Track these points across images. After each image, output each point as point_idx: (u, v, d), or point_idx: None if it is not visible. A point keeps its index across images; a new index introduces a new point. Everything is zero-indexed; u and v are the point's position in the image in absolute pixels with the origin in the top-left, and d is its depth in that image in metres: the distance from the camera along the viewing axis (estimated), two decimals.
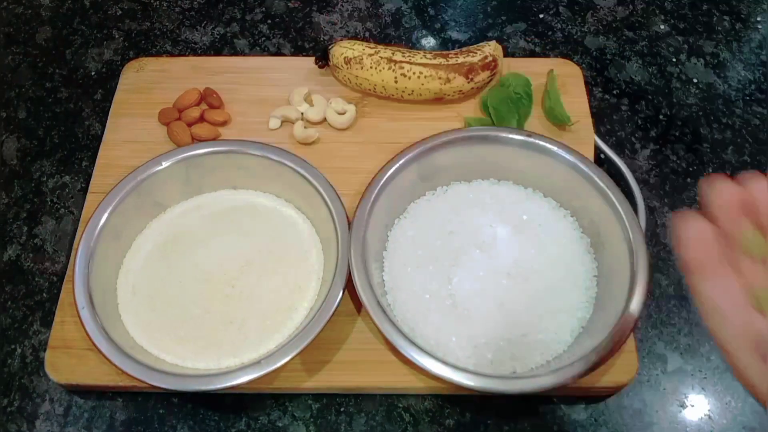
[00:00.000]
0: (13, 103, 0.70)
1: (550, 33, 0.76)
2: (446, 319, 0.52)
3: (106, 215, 0.55)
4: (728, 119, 0.69)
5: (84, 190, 0.63)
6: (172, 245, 0.58)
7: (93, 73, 0.73)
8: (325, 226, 0.56)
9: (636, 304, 0.49)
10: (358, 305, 0.55)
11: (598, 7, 0.79)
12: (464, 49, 0.66)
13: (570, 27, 0.77)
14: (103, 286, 0.54)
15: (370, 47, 0.65)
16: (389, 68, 0.64)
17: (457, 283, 0.54)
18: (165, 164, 0.58)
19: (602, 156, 0.64)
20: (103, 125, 0.66)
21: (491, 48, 0.66)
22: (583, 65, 0.72)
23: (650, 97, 0.71)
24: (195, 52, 0.74)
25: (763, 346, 0.33)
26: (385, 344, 0.53)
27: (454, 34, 0.76)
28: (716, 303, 0.34)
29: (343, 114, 0.65)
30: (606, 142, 0.65)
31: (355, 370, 0.53)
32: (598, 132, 0.66)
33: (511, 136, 0.58)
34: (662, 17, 0.78)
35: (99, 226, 0.54)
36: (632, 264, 0.51)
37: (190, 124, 0.65)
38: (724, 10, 0.78)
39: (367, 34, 0.76)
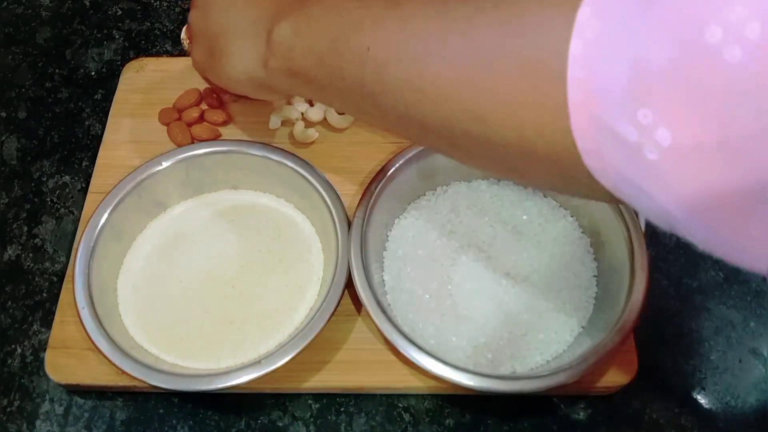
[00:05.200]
0: (13, 103, 0.70)
1: None
2: (446, 319, 0.52)
3: (106, 215, 0.55)
4: None
5: (84, 190, 0.63)
6: (172, 245, 0.58)
7: (93, 73, 0.73)
8: (325, 226, 0.56)
9: (636, 304, 0.49)
10: (358, 305, 0.55)
11: None
12: None
13: None
14: (103, 286, 0.54)
15: None
16: None
17: (457, 283, 0.54)
18: (165, 164, 0.58)
19: None
20: (103, 125, 0.66)
21: None
22: None
23: None
24: None
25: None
26: (385, 344, 0.53)
27: None
28: None
29: (343, 114, 0.65)
30: None
31: (355, 370, 0.53)
32: None
33: None
34: None
35: (99, 226, 0.54)
36: (632, 264, 0.51)
37: (190, 125, 0.65)
38: None
39: None
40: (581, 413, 0.53)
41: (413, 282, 0.54)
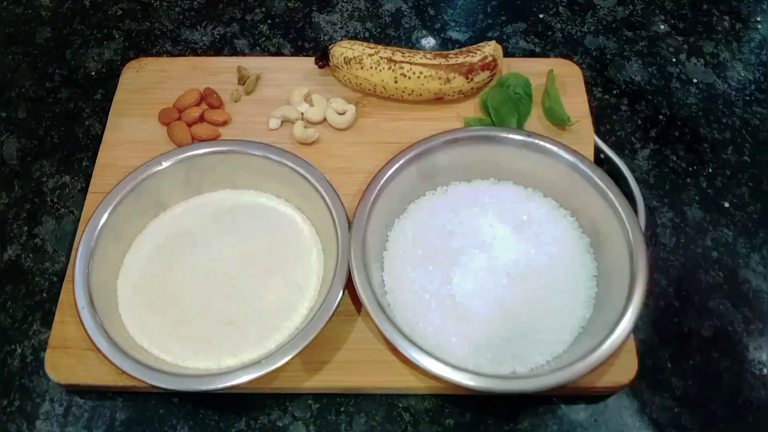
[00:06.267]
0: (13, 103, 0.70)
1: (550, 33, 0.76)
2: (446, 319, 0.52)
3: (106, 215, 0.55)
4: (728, 119, 0.69)
5: (84, 190, 0.63)
6: (172, 245, 0.58)
7: (93, 73, 0.73)
8: (325, 226, 0.56)
9: (636, 304, 0.49)
10: (358, 305, 0.55)
11: (598, 7, 0.79)
12: (464, 49, 0.66)
13: (570, 27, 0.77)
14: (103, 286, 0.54)
15: (370, 47, 0.65)
16: (389, 68, 0.64)
17: (457, 283, 0.54)
18: (165, 164, 0.58)
19: (602, 156, 0.64)
20: (103, 125, 0.66)
21: (491, 48, 0.66)
22: (583, 65, 0.72)
23: (650, 97, 0.71)
24: (195, 52, 0.74)
25: None
26: (385, 344, 0.53)
27: (454, 34, 0.76)
28: None
29: (343, 114, 0.65)
30: (606, 142, 0.65)
31: (355, 370, 0.53)
32: (597, 132, 0.66)
33: (511, 136, 0.58)
34: (662, 17, 0.78)
35: (99, 226, 0.54)
36: (632, 264, 0.51)
37: (190, 124, 0.65)
38: (724, 10, 0.78)
39: (367, 34, 0.76)
40: (581, 413, 0.53)
41: (413, 282, 0.54)
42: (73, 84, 0.72)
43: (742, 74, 0.73)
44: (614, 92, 0.71)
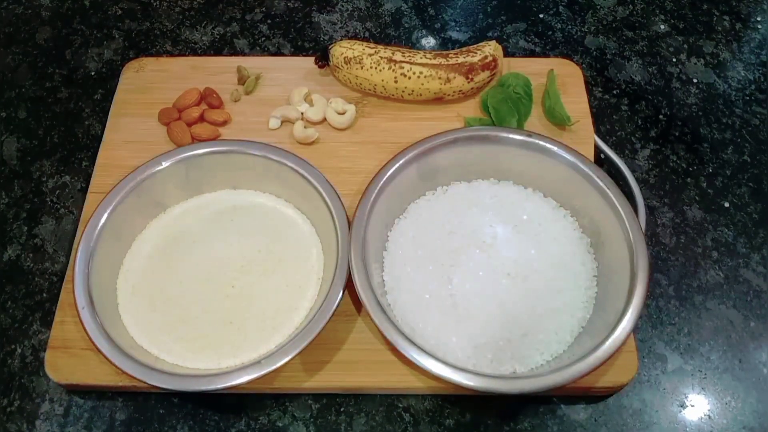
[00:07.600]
0: (13, 103, 0.70)
1: (550, 33, 0.76)
2: (446, 319, 0.52)
3: (106, 215, 0.55)
4: (728, 119, 0.69)
5: (84, 190, 0.63)
6: (172, 245, 0.58)
7: (93, 73, 0.73)
8: (325, 226, 0.56)
9: (636, 304, 0.49)
10: (358, 305, 0.55)
11: (598, 7, 0.79)
12: (464, 49, 0.66)
13: (570, 27, 0.77)
14: (103, 286, 0.54)
15: (370, 47, 0.65)
16: (389, 68, 0.64)
17: (457, 283, 0.54)
18: (165, 164, 0.58)
19: (602, 156, 0.64)
20: (103, 125, 0.66)
21: (491, 48, 0.66)
22: (583, 65, 0.72)
23: (650, 97, 0.71)
24: (195, 52, 0.74)
25: None
26: (385, 344, 0.53)
27: (454, 34, 0.76)
28: None
29: (343, 114, 0.65)
30: (606, 141, 0.65)
31: (355, 370, 0.53)
32: (598, 132, 0.66)
33: (511, 136, 0.58)
34: (662, 17, 0.78)
35: (99, 226, 0.54)
36: (632, 264, 0.51)
37: (190, 124, 0.65)
38: (724, 10, 0.78)
39: (367, 34, 0.76)
40: (581, 413, 0.53)
41: (413, 282, 0.54)
42: (73, 84, 0.72)
43: (742, 74, 0.73)
44: (614, 92, 0.71)
